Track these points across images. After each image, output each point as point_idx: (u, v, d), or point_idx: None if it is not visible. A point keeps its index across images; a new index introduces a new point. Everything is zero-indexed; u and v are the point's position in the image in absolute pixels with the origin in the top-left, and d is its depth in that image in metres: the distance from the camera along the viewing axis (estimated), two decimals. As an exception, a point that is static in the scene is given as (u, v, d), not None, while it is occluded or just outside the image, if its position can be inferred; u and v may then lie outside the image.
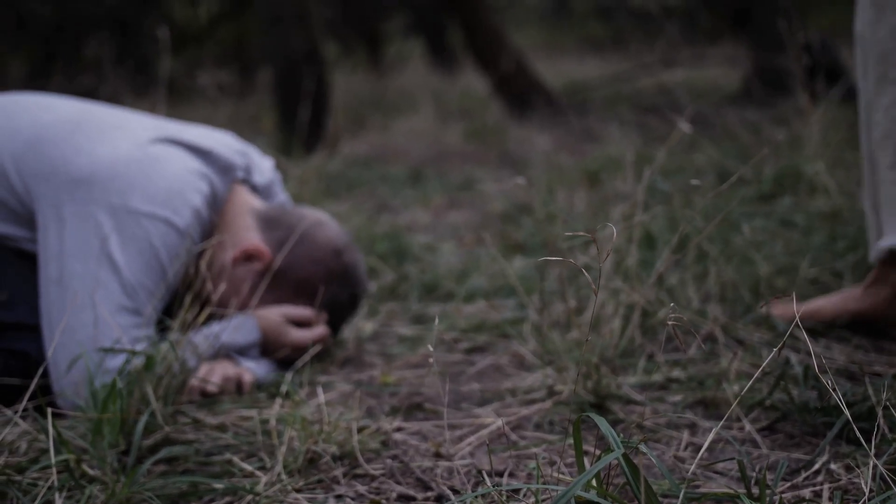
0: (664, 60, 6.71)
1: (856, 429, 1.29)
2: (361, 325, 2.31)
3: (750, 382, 1.20)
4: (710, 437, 1.21)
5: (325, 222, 2.05)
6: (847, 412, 1.25)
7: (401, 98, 7.03)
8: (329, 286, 2.00)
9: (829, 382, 1.26)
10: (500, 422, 1.68)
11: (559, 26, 12.53)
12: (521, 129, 5.56)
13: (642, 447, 1.16)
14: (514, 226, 3.30)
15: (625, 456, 1.13)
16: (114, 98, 5.04)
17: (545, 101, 5.80)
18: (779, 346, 1.09)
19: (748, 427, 1.61)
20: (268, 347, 1.98)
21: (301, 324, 2.01)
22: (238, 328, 1.93)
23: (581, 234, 1.14)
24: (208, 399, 1.84)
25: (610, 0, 11.28)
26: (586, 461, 1.26)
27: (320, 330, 2.02)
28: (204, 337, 1.87)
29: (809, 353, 1.86)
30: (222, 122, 4.14)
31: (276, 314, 1.97)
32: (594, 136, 5.02)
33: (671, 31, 7.40)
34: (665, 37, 7.22)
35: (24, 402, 1.60)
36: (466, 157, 5.03)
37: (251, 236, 1.99)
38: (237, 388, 1.90)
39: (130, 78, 5.94)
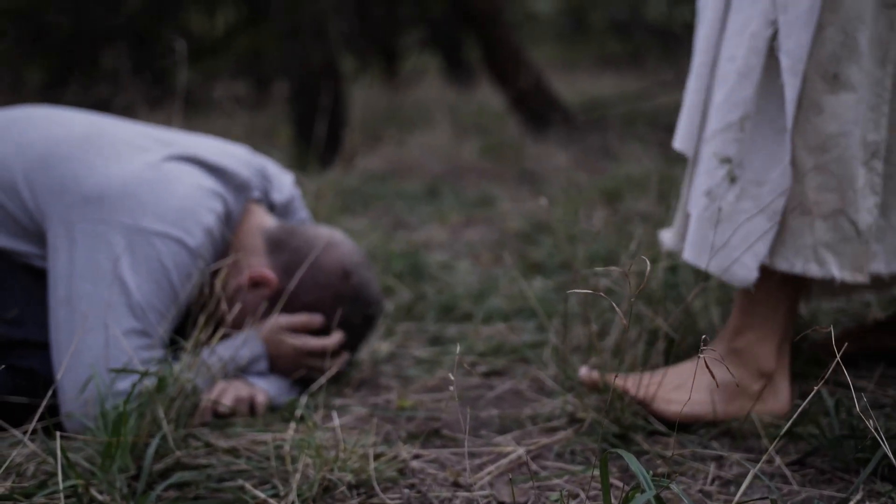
0: (682, 78, 6.65)
1: (895, 464, 1.24)
2: (377, 346, 2.26)
3: (788, 424, 1.14)
4: (748, 480, 1.15)
5: (335, 242, 1.99)
6: (887, 447, 1.20)
7: (417, 113, 7.00)
8: (339, 309, 1.95)
9: (872, 421, 1.20)
10: (521, 451, 1.64)
11: (576, 43, 12.49)
12: (538, 145, 5.51)
13: (673, 487, 1.11)
14: (533, 245, 3.25)
15: (657, 497, 1.08)
16: (129, 109, 5.02)
17: (562, 118, 5.75)
18: (819, 383, 1.04)
19: (777, 461, 1.56)
20: (276, 362, 1.93)
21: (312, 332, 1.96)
22: (241, 343, 1.89)
23: (613, 269, 1.09)
24: (221, 421, 1.80)
25: (627, 17, 11.25)
26: (612, 496, 1.21)
27: (330, 338, 1.96)
28: (212, 356, 1.82)
29: (838, 384, 1.81)
30: (238, 134, 4.11)
31: (271, 324, 1.93)
32: (612, 154, 4.98)
33: (689, 49, 7.35)
34: (683, 54, 7.18)
35: (34, 423, 1.56)
36: (483, 174, 4.99)
37: (257, 261, 1.95)
38: (250, 409, 1.85)
39: (146, 89, 5.93)
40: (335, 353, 1.97)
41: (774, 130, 1.70)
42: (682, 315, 1.95)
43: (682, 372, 1.76)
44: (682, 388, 1.72)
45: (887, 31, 1.66)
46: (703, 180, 1.75)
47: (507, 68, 5.98)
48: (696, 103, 1.82)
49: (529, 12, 11.84)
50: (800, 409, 1.15)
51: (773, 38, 1.67)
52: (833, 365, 1.17)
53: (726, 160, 1.71)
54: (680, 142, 1.85)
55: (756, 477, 1.50)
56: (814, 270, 1.68)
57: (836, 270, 1.68)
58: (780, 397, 1.74)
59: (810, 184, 1.67)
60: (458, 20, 7.76)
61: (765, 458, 1.25)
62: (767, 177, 1.69)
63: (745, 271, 1.69)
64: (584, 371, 1.77)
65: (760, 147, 1.70)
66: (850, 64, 1.64)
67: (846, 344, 1.37)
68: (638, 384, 1.70)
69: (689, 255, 1.77)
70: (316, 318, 1.94)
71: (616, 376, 1.70)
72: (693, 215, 1.76)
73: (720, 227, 1.70)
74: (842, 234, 1.68)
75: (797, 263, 1.68)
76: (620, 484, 1.49)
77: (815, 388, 1.11)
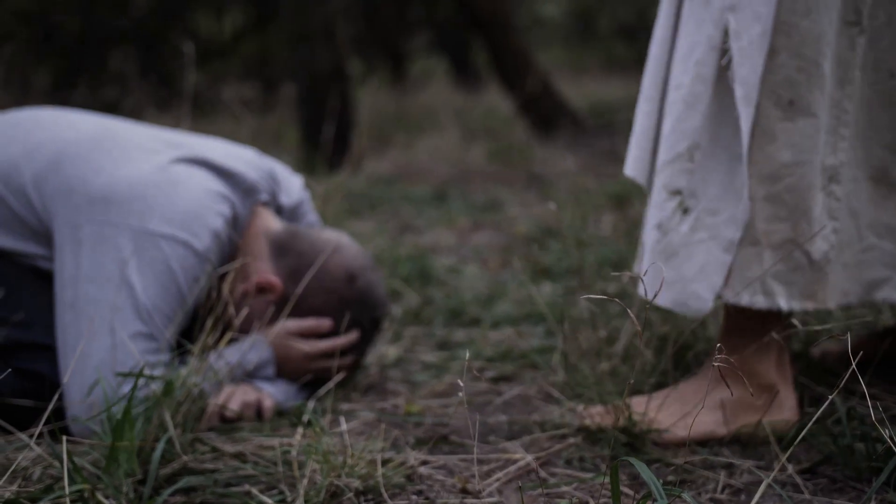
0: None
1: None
2: (385, 350, 2.25)
3: (803, 432, 1.13)
4: (762, 489, 1.14)
5: (340, 246, 1.97)
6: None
7: (424, 116, 6.99)
8: (345, 313, 1.94)
9: (887, 431, 1.19)
10: (529, 458, 1.62)
11: (583, 47, 12.48)
12: (546, 149, 5.51)
13: (685, 496, 1.10)
14: (541, 249, 3.24)
15: (669, 506, 1.07)
16: (137, 111, 5.03)
17: (570, 122, 5.75)
18: (834, 392, 1.03)
19: (789, 469, 1.54)
20: (284, 367, 1.92)
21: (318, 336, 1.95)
22: (249, 348, 1.88)
23: (627, 273, 1.08)
24: (228, 425, 1.79)
25: (634, 21, 11.24)
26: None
27: (337, 339, 1.95)
28: (219, 360, 1.82)
29: (848, 392, 1.79)
30: (246, 137, 4.10)
31: (279, 329, 1.92)
32: (619, 158, 4.97)
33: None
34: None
35: (40, 427, 1.55)
36: (490, 178, 4.98)
37: (262, 266, 1.94)
38: (257, 413, 1.84)
39: (154, 91, 5.93)
40: (344, 352, 1.96)
41: (729, 158, 1.64)
42: (691, 321, 1.94)
43: (686, 394, 1.71)
44: (688, 413, 1.67)
45: (847, 51, 1.61)
46: (654, 213, 1.70)
47: (514, 72, 5.99)
48: (645, 128, 1.76)
49: (537, 16, 11.83)
50: (815, 417, 1.14)
51: (728, 67, 1.61)
52: (848, 373, 1.15)
53: (676, 192, 1.66)
54: (630, 168, 1.79)
55: (767, 485, 1.49)
56: (760, 302, 1.63)
57: (784, 301, 1.63)
58: (786, 408, 1.68)
59: (760, 214, 1.61)
60: (465, 24, 7.76)
61: (778, 467, 1.23)
62: (723, 207, 1.64)
63: (700, 302, 1.64)
64: (580, 410, 1.74)
65: (715, 176, 1.65)
66: (810, 89, 1.58)
67: (861, 353, 1.35)
68: (645, 414, 1.65)
69: (643, 289, 1.71)
70: (324, 323, 1.93)
71: (616, 409, 1.67)
72: (646, 248, 1.71)
73: (674, 259, 1.65)
74: (793, 263, 1.62)
75: (744, 295, 1.63)
76: (631, 492, 1.48)
77: (830, 397, 1.10)
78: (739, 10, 1.59)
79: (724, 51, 1.61)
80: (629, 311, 1.03)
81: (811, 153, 1.60)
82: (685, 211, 1.65)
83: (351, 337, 1.96)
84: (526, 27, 10.53)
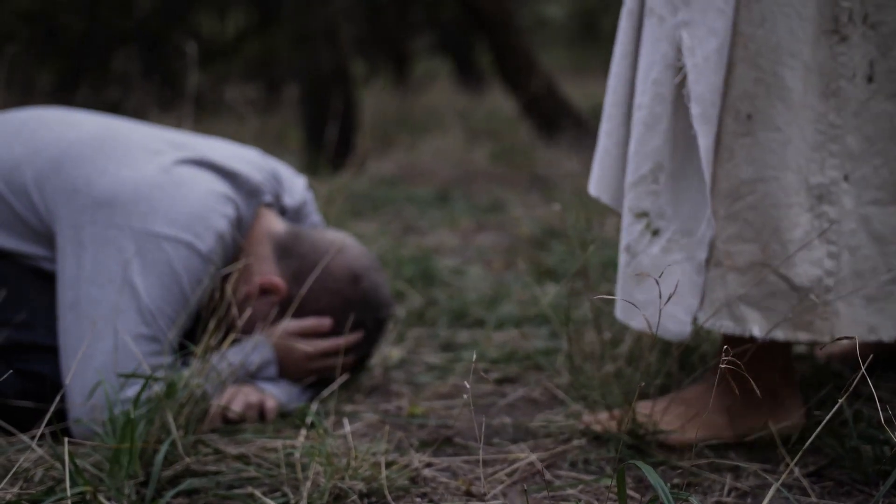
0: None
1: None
2: (388, 351, 2.24)
3: (811, 436, 1.12)
4: (771, 493, 1.13)
5: (344, 247, 1.97)
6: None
7: (427, 117, 6.99)
8: (349, 314, 1.93)
9: (895, 433, 1.18)
10: (534, 457, 1.61)
11: (587, 48, 12.47)
12: (550, 150, 5.49)
13: (693, 500, 1.09)
14: (545, 251, 3.23)
15: (676, 510, 1.06)
16: (140, 111, 5.02)
17: (574, 123, 5.73)
18: (842, 395, 1.02)
19: (796, 472, 1.53)
20: (286, 367, 1.91)
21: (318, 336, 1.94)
22: (251, 349, 1.87)
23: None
24: (230, 427, 1.78)
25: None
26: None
27: (339, 339, 1.94)
28: (222, 362, 1.81)
29: (855, 394, 1.78)
30: (249, 138, 4.10)
31: (280, 329, 1.91)
32: (623, 160, 4.95)
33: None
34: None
35: (42, 428, 1.55)
36: (494, 179, 4.97)
37: (266, 268, 1.93)
38: (260, 415, 1.83)
39: (157, 92, 5.93)
40: (347, 351, 1.95)
41: (701, 178, 1.57)
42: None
43: (691, 398, 1.69)
44: (694, 416, 1.66)
45: (829, 61, 1.52)
46: (623, 235, 1.65)
47: (518, 73, 5.97)
48: (607, 147, 1.70)
49: (540, 17, 11.82)
50: (824, 422, 1.12)
51: (682, 84, 1.54)
52: (858, 376, 1.14)
53: (642, 214, 1.60)
54: (594, 187, 1.73)
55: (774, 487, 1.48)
56: (728, 327, 1.57)
57: (758, 328, 1.55)
58: (791, 412, 1.66)
59: (721, 234, 1.56)
60: (469, 25, 7.75)
61: (787, 471, 1.22)
62: (696, 227, 1.58)
63: (678, 325, 1.58)
64: (585, 418, 1.72)
65: (687, 196, 1.59)
66: (770, 102, 1.51)
67: (871, 356, 1.32)
68: (650, 417, 1.63)
69: (619, 313, 1.67)
70: (325, 322, 1.92)
71: (618, 415, 1.65)
72: (619, 271, 1.66)
73: (646, 281, 1.59)
74: (767, 288, 1.54)
75: (711, 318, 1.57)
76: (637, 496, 1.47)
77: (840, 400, 1.09)
78: (693, 26, 1.53)
79: (679, 68, 1.55)
80: (645, 316, 1.02)
81: (777, 169, 1.52)
82: (655, 232, 1.60)
83: (352, 336, 1.95)
84: (529, 28, 10.52)
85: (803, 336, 1.56)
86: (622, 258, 1.65)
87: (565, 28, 13.02)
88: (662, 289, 1.54)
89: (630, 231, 1.63)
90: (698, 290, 1.58)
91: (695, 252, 1.58)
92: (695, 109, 1.53)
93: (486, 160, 5.49)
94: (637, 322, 1.64)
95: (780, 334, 1.56)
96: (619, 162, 1.70)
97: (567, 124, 5.72)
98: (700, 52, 1.52)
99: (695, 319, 1.59)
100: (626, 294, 1.63)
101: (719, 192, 1.55)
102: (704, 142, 1.53)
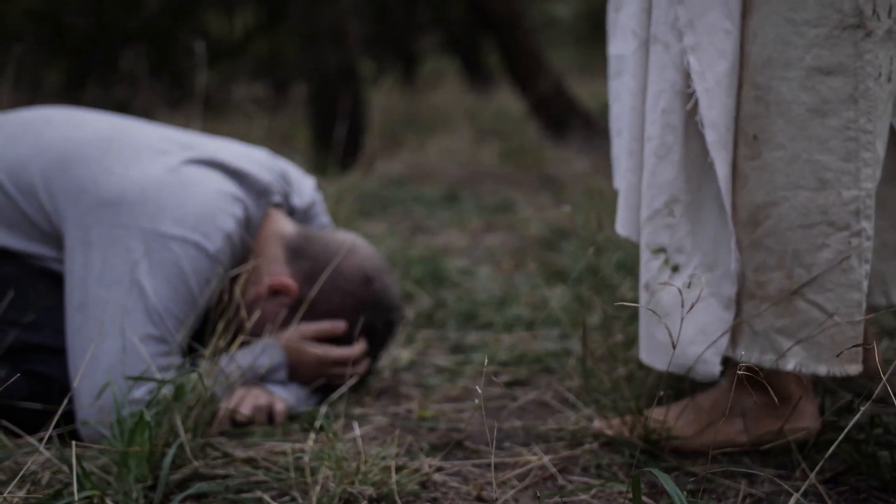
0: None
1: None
2: (398, 353, 2.22)
3: (832, 447, 1.10)
4: (792, 502, 1.11)
5: (355, 248, 1.95)
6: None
7: (435, 117, 6.97)
8: (361, 316, 1.91)
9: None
10: (545, 459, 1.59)
11: (595, 47, 12.44)
12: (558, 150, 5.47)
13: (711, 508, 1.07)
14: (554, 251, 3.21)
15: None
16: (148, 111, 5.01)
17: (583, 122, 5.71)
18: (861, 401, 1.00)
19: (812, 478, 1.51)
20: (296, 371, 1.90)
21: (329, 341, 1.92)
22: (262, 352, 1.85)
23: (669, 283, 1.05)
24: (239, 430, 1.77)
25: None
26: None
27: (351, 349, 1.92)
28: (231, 364, 1.79)
29: (872, 399, 1.76)
30: (257, 138, 4.08)
31: (292, 332, 1.89)
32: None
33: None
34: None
35: (50, 430, 1.53)
36: (502, 179, 4.96)
37: (277, 269, 1.91)
38: (269, 418, 1.82)
39: (165, 91, 5.91)
40: (356, 361, 1.94)
41: (718, 207, 1.52)
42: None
43: (704, 403, 1.66)
44: (708, 422, 1.63)
45: (853, 60, 1.42)
46: (642, 273, 1.58)
47: (527, 72, 5.95)
48: (632, 184, 1.62)
49: (549, 16, 11.80)
50: (845, 432, 1.10)
51: (694, 111, 1.48)
52: (884, 381, 1.12)
53: (659, 250, 1.54)
54: (622, 227, 1.65)
55: (789, 494, 1.46)
56: (770, 361, 1.50)
57: (795, 362, 1.48)
58: (806, 416, 1.62)
59: (749, 264, 1.50)
60: (476, 24, 7.73)
61: (807, 482, 1.20)
62: (718, 261, 1.52)
63: (707, 367, 1.52)
64: (597, 424, 1.70)
65: (706, 228, 1.53)
66: (770, 119, 1.45)
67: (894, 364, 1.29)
68: (663, 423, 1.61)
69: (643, 356, 1.60)
70: (339, 325, 1.90)
71: (632, 420, 1.63)
72: (640, 310, 1.60)
73: (669, 320, 1.51)
74: (802, 318, 1.47)
75: (753, 353, 1.51)
76: (651, 502, 1.44)
77: (862, 409, 1.06)
78: (700, 50, 1.47)
79: (689, 95, 1.49)
80: (665, 322, 1.00)
81: (787, 189, 1.45)
82: (675, 269, 1.54)
83: (364, 346, 1.94)
84: (538, 27, 10.50)
85: (853, 369, 1.47)
86: (642, 296, 1.58)
87: (573, 27, 13.00)
88: (685, 329, 1.48)
89: (648, 268, 1.56)
90: (725, 327, 1.52)
91: (720, 287, 1.52)
92: (710, 136, 1.47)
93: (495, 160, 5.47)
94: (659, 363, 1.57)
95: (822, 369, 1.48)
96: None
97: (576, 124, 5.70)
98: (711, 76, 1.47)
99: (725, 359, 1.54)
100: (649, 334, 1.57)
101: (739, 220, 1.50)
102: (722, 170, 1.48)
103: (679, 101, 1.51)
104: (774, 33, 1.44)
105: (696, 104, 1.48)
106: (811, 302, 1.47)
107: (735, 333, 1.53)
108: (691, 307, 1.48)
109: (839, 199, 1.44)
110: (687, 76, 1.49)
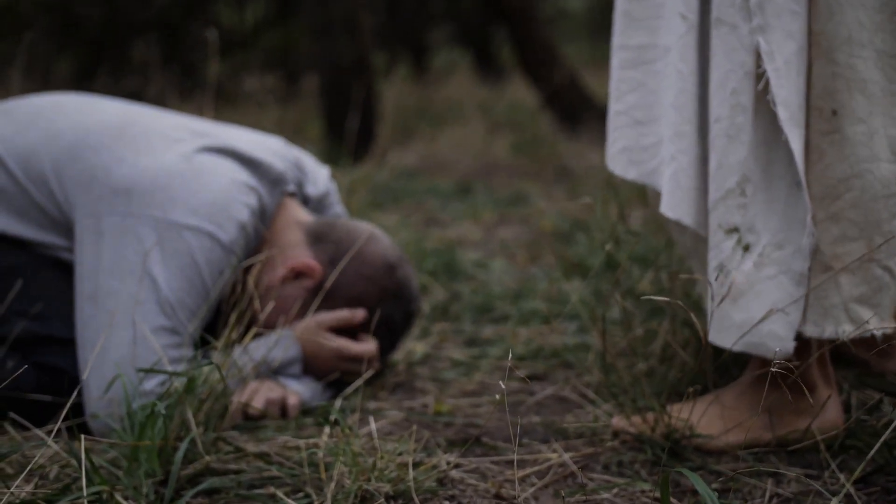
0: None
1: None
2: (413, 346, 2.18)
3: (870, 454, 1.06)
4: None
5: (376, 236, 1.92)
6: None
7: (448, 109, 6.93)
8: (382, 304, 1.87)
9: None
10: (566, 457, 1.55)
11: (608, 40, 12.36)
12: (571, 143, 5.43)
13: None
14: (568, 244, 3.17)
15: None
16: (159, 100, 4.97)
17: (596, 116, 5.66)
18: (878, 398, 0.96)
19: (841, 478, 1.47)
20: (312, 364, 1.86)
21: (345, 332, 1.88)
22: (276, 344, 1.81)
23: (693, 276, 1.01)
24: (251, 424, 1.73)
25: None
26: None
27: (370, 346, 1.88)
28: (244, 356, 1.75)
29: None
30: (268, 129, 4.05)
31: (310, 322, 1.85)
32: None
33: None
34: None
35: (59, 423, 1.50)
36: (515, 171, 4.92)
37: (300, 252, 1.87)
38: (282, 411, 1.78)
39: (176, 81, 5.88)
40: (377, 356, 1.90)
41: (787, 186, 1.54)
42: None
43: (728, 400, 1.64)
44: (732, 419, 1.61)
45: None
46: (713, 254, 1.59)
47: (540, 65, 5.91)
48: (682, 167, 1.61)
49: (562, 9, 11.74)
50: (886, 436, 1.06)
51: (766, 90, 1.51)
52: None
53: (732, 230, 1.56)
54: (672, 210, 1.63)
55: (818, 494, 1.42)
56: (847, 332, 1.52)
57: (875, 325, 1.52)
58: (829, 412, 1.60)
59: (825, 237, 1.52)
60: (489, 16, 7.69)
61: (846, 489, 1.16)
62: (788, 238, 1.54)
63: (779, 342, 1.53)
64: (616, 421, 1.67)
65: (775, 207, 1.55)
66: (851, 95, 1.49)
67: None
68: (686, 421, 1.58)
69: (713, 337, 1.59)
70: (359, 313, 1.86)
71: (652, 417, 1.60)
72: (711, 292, 1.60)
73: (741, 300, 1.54)
74: (876, 284, 1.53)
75: (827, 327, 1.54)
76: (675, 501, 1.40)
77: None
78: (769, 31, 1.50)
79: (759, 75, 1.52)
80: (693, 316, 0.96)
81: (869, 162, 1.50)
82: (746, 248, 1.55)
83: (381, 344, 1.90)
84: (551, 19, 10.44)
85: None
86: (713, 277, 1.58)
87: (586, 20, 12.94)
88: (757, 306, 1.52)
89: (721, 248, 1.57)
90: (798, 303, 1.53)
91: (791, 264, 1.53)
92: (783, 114, 1.49)
93: (508, 152, 5.43)
94: (732, 342, 1.56)
95: (889, 327, 1.54)
96: (696, 181, 1.62)
97: (589, 117, 5.65)
98: (780, 57, 1.49)
99: (799, 334, 1.54)
100: (722, 315, 1.57)
101: (814, 195, 1.52)
102: (796, 145, 1.49)
103: (749, 82, 1.52)
104: (852, 14, 1.49)
105: (766, 84, 1.50)
106: (885, 267, 1.53)
107: (805, 310, 1.55)
108: (762, 286, 1.53)
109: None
110: (757, 56, 1.51)
